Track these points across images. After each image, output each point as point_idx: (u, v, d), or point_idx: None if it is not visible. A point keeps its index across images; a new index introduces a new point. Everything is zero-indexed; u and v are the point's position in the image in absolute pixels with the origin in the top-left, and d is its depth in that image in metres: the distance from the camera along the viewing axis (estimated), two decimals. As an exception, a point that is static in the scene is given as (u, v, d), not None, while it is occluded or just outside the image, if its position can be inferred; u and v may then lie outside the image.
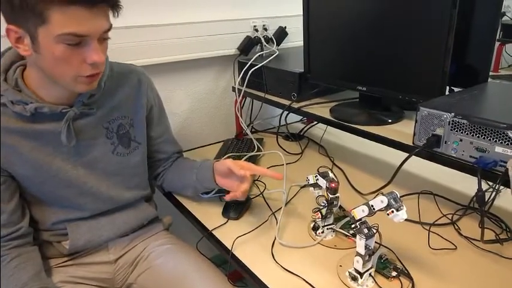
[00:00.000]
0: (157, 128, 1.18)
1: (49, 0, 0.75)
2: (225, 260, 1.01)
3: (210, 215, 1.15)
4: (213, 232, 1.08)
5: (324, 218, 1.01)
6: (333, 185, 0.98)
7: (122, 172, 1.08)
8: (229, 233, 1.06)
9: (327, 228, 1.03)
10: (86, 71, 0.85)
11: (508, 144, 0.81)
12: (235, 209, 1.14)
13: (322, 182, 1.00)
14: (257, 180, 1.33)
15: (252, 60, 1.55)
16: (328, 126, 1.29)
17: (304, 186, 1.18)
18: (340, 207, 1.14)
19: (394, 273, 0.88)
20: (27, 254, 0.96)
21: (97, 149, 1.03)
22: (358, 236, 0.83)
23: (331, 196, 0.98)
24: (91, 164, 1.03)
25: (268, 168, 1.40)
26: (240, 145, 1.56)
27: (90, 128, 1.00)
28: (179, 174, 1.22)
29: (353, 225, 0.85)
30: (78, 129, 0.98)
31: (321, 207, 1.00)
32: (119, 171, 1.07)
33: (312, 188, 1.03)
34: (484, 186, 0.87)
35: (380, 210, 0.81)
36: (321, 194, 1.03)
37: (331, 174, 1.01)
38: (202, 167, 1.15)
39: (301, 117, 1.76)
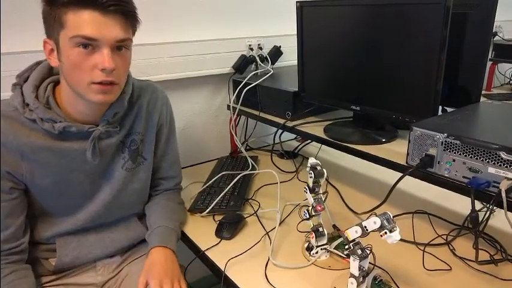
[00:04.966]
0: (162, 148, 1.16)
1: (66, 4, 0.82)
2: (215, 282, 0.99)
3: (202, 235, 1.14)
4: (206, 252, 1.06)
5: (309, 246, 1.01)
6: (319, 208, 0.99)
7: (124, 188, 1.07)
8: (222, 253, 1.05)
9: (321, 249, 1.02)
10: (97, 77, 0.86)
11: (500, 165, 0.81)
12: (229, 228, 1.12)
13: (310, 197, 1.00)
14: (251, 199, 1.32)
15: (246, 78, 1.56)
16: (323, 145, 1.30)
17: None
18: (334, 227, 1.13)
19: (388, 295, 0.87)
20: (23, 271, 0.96)
21: (112, 163, 1.05)
22: (351, 257, 0.83)
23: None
24: (105, 176, 1.04)
25: (262, 187, 1.40)
26: (234, 163, 1.56)
27: (112, 146, 1.03)
28: (149, 217, 1.15)
29: (346, 246, 0.84)
30: (103, 148, 1.00)
31: (304, 218, 1.01)
32: (122, 187, 1.07)
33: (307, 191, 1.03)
34: (478, 205, 0.87)
35: (373, 231, 0.80)
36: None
37: (320, 194, 1.01)
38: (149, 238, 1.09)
39: (296, 135, 1.76)
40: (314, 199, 1.00)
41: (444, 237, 1.09)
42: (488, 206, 0.84)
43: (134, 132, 1.07)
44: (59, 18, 0.83)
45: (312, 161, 1.01)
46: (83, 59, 0.85)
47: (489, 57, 1.79)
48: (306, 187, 1.01)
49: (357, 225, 0.82)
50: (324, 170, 1.00)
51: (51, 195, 0.99)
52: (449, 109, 1.18)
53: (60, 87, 0.96)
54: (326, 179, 1.45)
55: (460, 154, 0.88)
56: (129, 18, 0.88)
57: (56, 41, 0.86)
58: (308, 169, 1.00)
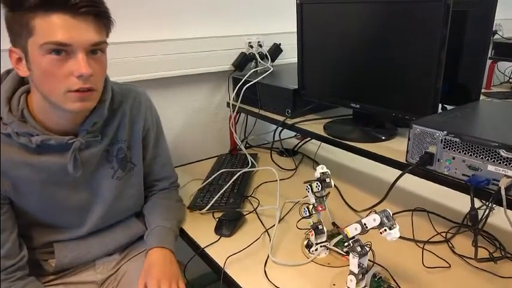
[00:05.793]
0: (152, 152, 1.15)
1: (33, 9, 0.76)
2: (215, 279, 0.99)
3: (202, 232, 1.14)
4: (205, 249, 1.06)
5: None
6: (320, 208, 0.99)
7: (119, 196, 1.06)
8: (221, 250, 1.05)
9: (321, 246, 1.02)
10: (74, 85, 0.81)
11: (500, 162, 0.81)
12: (228, 226, 1.12)
13: (312, 197, 1.00)
14: (250, 196, 1.32)
15: (246, 76, 1.56)
16: (323, 142, 1.30)
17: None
18: (334, 224, 1.13)
19: (387, 292, 0.87)
20: (32, 284, 0.95)
21: (99, 174, 1.01)
22: (351, 255, 0.83)
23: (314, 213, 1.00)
24: (93, 189, 1.02)
25: (262, 184, 1.40)
26: (234, 160, 1.56)
27: (95, 156, 0.98)
28: (147, 217, 1.15)
29: (346, 244, 0.84)
30: (85, 159, 0.95)
31: (304, 216, 1.01)
32: (116, 196, 1.05)
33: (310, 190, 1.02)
34: (478, 203, 0.87)
35: (373, 228, 0.80)
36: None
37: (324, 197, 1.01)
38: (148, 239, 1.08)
39: (295, 133, 1.76)
40: (316, 199, 1.00)
41: (443, 234, 1.09)
42: (487, 203, 0.84)
43: (120, 141, 1.03)
44: (26, 25, 0.77)
45: (322, 170, 0.99)
46: (56, 66, 0.79)
47: (489, 55, 1.79)
48: (308, 186, 1.00)
49: (356, 222, 0.82)
50: (332, 182, 0.99)
51: (36, 210, 0.97)
52: (449, 107, 1.18)
53: (31, 97, 0.90)
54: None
55: (459, 152, 0.88)
56: (102, 19, 0.83)
57: (24, 49, 0.80)
58: (315, 183, 0.98)
